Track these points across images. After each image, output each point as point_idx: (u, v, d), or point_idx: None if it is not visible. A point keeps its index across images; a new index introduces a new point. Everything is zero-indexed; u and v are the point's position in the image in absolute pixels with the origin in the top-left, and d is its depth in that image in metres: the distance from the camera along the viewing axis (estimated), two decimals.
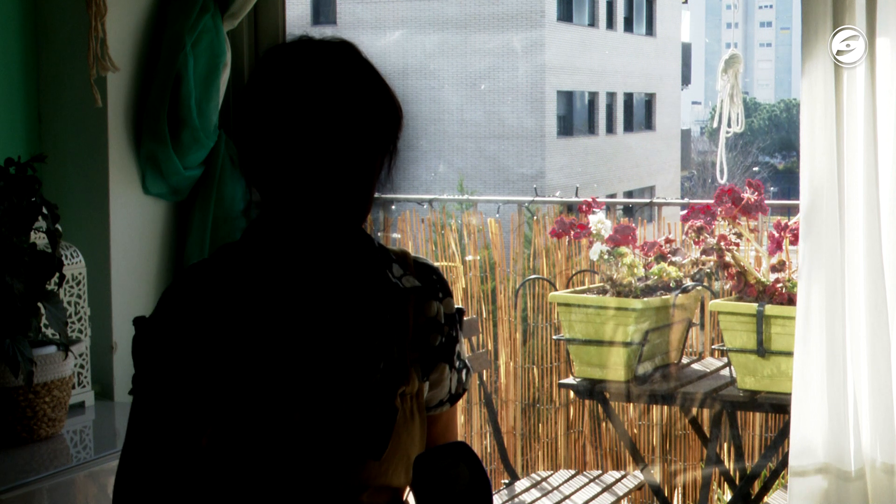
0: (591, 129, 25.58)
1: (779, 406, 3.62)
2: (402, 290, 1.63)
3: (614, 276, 3.92)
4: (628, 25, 26.87)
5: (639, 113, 27.48)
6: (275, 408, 1.53)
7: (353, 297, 1.59)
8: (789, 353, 3.24)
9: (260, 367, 1.54)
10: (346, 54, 1.55)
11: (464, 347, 1.75)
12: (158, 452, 1.55)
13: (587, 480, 4.14)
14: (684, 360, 4.15)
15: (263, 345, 1.54)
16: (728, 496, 4.30)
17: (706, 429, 4.23)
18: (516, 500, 3.92)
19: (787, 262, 3.70)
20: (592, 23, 25.45)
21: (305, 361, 1.56)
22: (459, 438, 1.77)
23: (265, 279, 1.57)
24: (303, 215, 1.52)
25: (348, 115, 1.50)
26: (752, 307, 3.63)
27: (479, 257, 4.95)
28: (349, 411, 1.56)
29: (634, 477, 4.21)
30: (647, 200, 5.18)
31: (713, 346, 4.37)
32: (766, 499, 3.99)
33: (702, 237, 3.80)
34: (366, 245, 1.62)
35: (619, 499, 4.03)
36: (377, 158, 1.54)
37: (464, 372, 1.73)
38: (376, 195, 1.60)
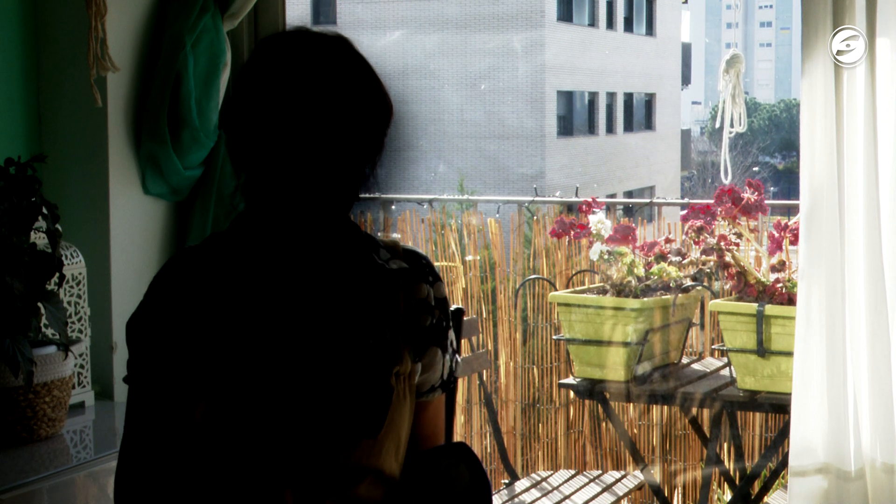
0: (591, 129, 25.58)
1: (779, 406, 3.62)
2: (390, 271, 1.64)
3: (614, 276, 3.92)
4: (628, 25, 26.87)
5: (639, 113, 27.49)
6: (267, 388, 1.54)
7: (340, 278, 1.61)
8: (789, 353, 3.24)
9: (250, 348, 1.55)
10: (339, 48, 1.56)
11: (454, 338, 1.76)
12: (155, 432, 1.56)
13: (587, 480, 4.14)
14: (684, 360, 4.14)
15: (253, 326, 1.56)
16: (728, 496, 4.29)
17: (706, 429, 4.22)
18: (516, 500, 3.92)
19: (787, 262, 3.70)
20: (592, 23, 25.45)
21: (295, 341, 1.57)
22: (459, 438, 1.77)
23: (254, 262, 1.58)
24: (287, 202, 1.54)
25: (336, 106, 1.52)
26: (752, 307, 3.62)
27: (479, 257, 4.95)
28: (343, 390, 1.56)
29: (634, 477, 4.21)
30: (647, 200, 5.18)
31: (713, 346, 4.36)
32: (766, 499, 3.99)
33: (702, 237, 3.80)
34: (352, 231, 1.64)
35: (619, 499, 4.02)
36: (363, 151, 1.56)
37: (454, 361, 1.74)
38: (377, 195, 1.61)
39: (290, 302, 1.58)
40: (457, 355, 1.75)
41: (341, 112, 1.52)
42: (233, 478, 1.56)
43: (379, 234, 4.85)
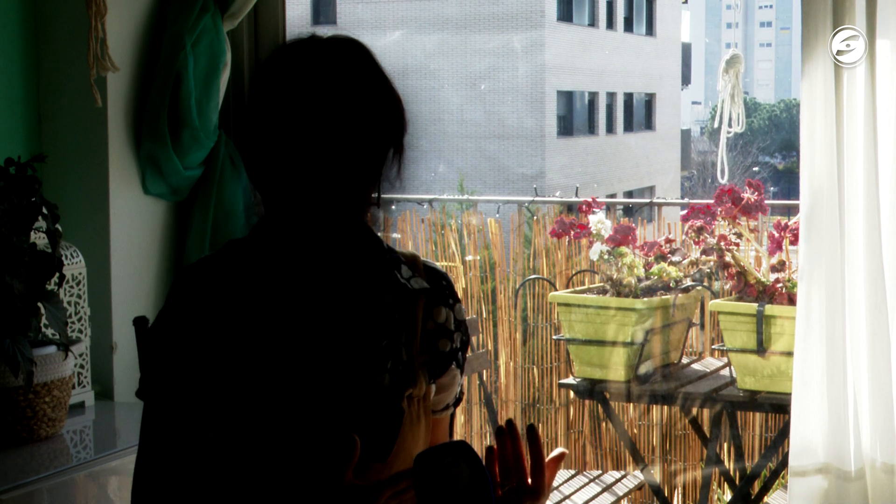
0: (591, 129, 25.58)
1: (779, 406, 3.62)
2: (411, 290, 1.62)
3: (614, 276, 3.92)
4: (628, 25, 26.86)
5: (639, 113, 27.48)
6: (282, 408, 1.53)
7: (361, 297, 1.59)
8: (789, 353, 3.25)
9: (267, 366, 1.53)
10: (350, 53, 1.54)
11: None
12: (180, 451, 1.53)
13: (587, 480, 4.14)
14: (684, 360, 4.15)
15: (271, 344, 1.54)
16: (728, 496, 4.30)
17: (706, 429, 4.22)
18: None
19: (787, 262, 3.70)
20: (592, 23, 25.45)
21: (313, 361, 1.55)
22: (458, 438, 1.77)
23: (274, 278, 1.56)
24: (303, 211, 1.52)
25: (348, 113, 1.50)
26: (752, 307, 3.63)
27: (479, 257, 4.95)
28: (356, 412, 1.55)
29: (634, 477, 4.21)
30: (647, 200, 5.18)
31: (713, 346, 4.37)
32: (766, 499, 4.00)
33: (702, 237, 3.80)
34: (375, 246, 1.62)
35: (619, 499, 4.02)
36: (377, 157, 1.54)
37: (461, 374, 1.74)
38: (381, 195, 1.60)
39: (309, 320, 1.56)
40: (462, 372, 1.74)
41: (353, 117, 1.50)
42: (245, 494, 1.55)
43: (378, 234, 4.85)
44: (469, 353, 4.14)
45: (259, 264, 1.57)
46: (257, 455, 1.53)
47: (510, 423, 1.53)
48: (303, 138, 1.49)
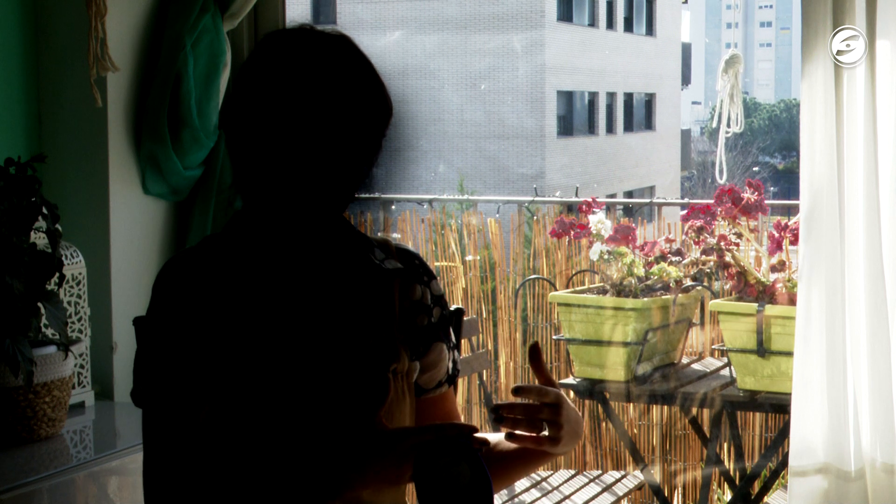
0: (591, 129, 25.59)
1: (779, 406, 3.62)
2: (386, 271, 1.64)
3: (614, 276, 3.92)
4: (628, 25, 26.87)
5: (639, 113, 27.49)
6: (265, 388, 1.54)
7: (338, 279, 1.61)
8: (789, 353, 3.24)
9: (248, 349, 1.54)
10: (341, 46, 1.56)
11: (454, 333, 1.75)
12: (175, 441, 1.53)
13: (587, 480, 4.14)
14: (684, 360, 4.14)
15: (251, 327, 1.55)
16: (728, 496, 4.30)
17: (706, 429, 4.22)
18: (516, 500, 3.92)
19: (787, 262, 3.70)
20: (592, 23, 25.46)
21: (293, 341, 1.56)
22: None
23: (251, 263, 1.58)
24: (284, 200, 1.54)
25: (335, 105, 1.52)
26: (752, 307, 3.63)
27: (479, 257, 4.95)
28: (342, 389, 1.56)
29: (634, 477, 4.21)
30: (647, 200, 5.18)
31: (713, 346, 4.36)
32: (766, 499, 3.99)
33: (702, 237, 3.80)
34: (347, 230, 1.64)
35: (619, 499, 4.02)
36: (362, 150, 1.55)
37: (455, 352, 1.75)
38: (377, 195, 1.61)
39: (287, 302, 1.58)
40: (456, 350, 1.75)
41: (341, 110, 1.52)
42: (236, 478, 1.55)
43: (379, 233, 4.85)
44: (469, 353, 4.15)
45: (237, 252, 1.58)
46: (244, 441, 1.53)
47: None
48: (285, 129, 1.51)
